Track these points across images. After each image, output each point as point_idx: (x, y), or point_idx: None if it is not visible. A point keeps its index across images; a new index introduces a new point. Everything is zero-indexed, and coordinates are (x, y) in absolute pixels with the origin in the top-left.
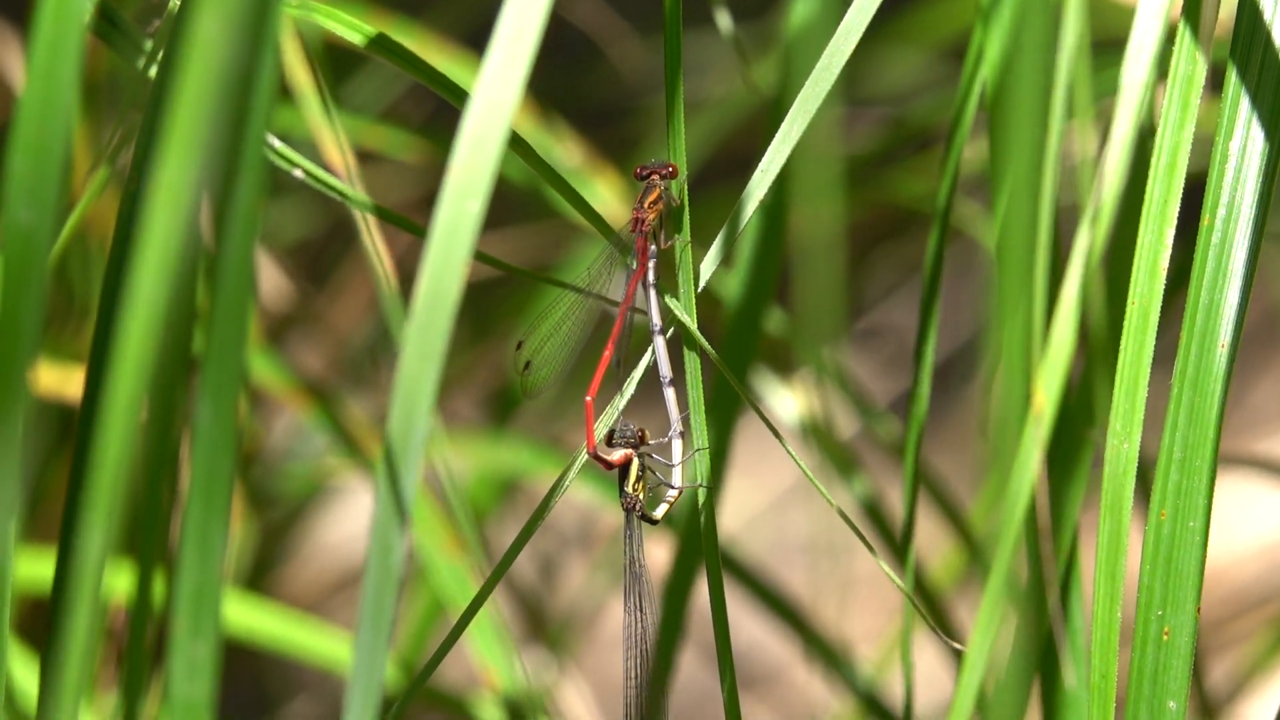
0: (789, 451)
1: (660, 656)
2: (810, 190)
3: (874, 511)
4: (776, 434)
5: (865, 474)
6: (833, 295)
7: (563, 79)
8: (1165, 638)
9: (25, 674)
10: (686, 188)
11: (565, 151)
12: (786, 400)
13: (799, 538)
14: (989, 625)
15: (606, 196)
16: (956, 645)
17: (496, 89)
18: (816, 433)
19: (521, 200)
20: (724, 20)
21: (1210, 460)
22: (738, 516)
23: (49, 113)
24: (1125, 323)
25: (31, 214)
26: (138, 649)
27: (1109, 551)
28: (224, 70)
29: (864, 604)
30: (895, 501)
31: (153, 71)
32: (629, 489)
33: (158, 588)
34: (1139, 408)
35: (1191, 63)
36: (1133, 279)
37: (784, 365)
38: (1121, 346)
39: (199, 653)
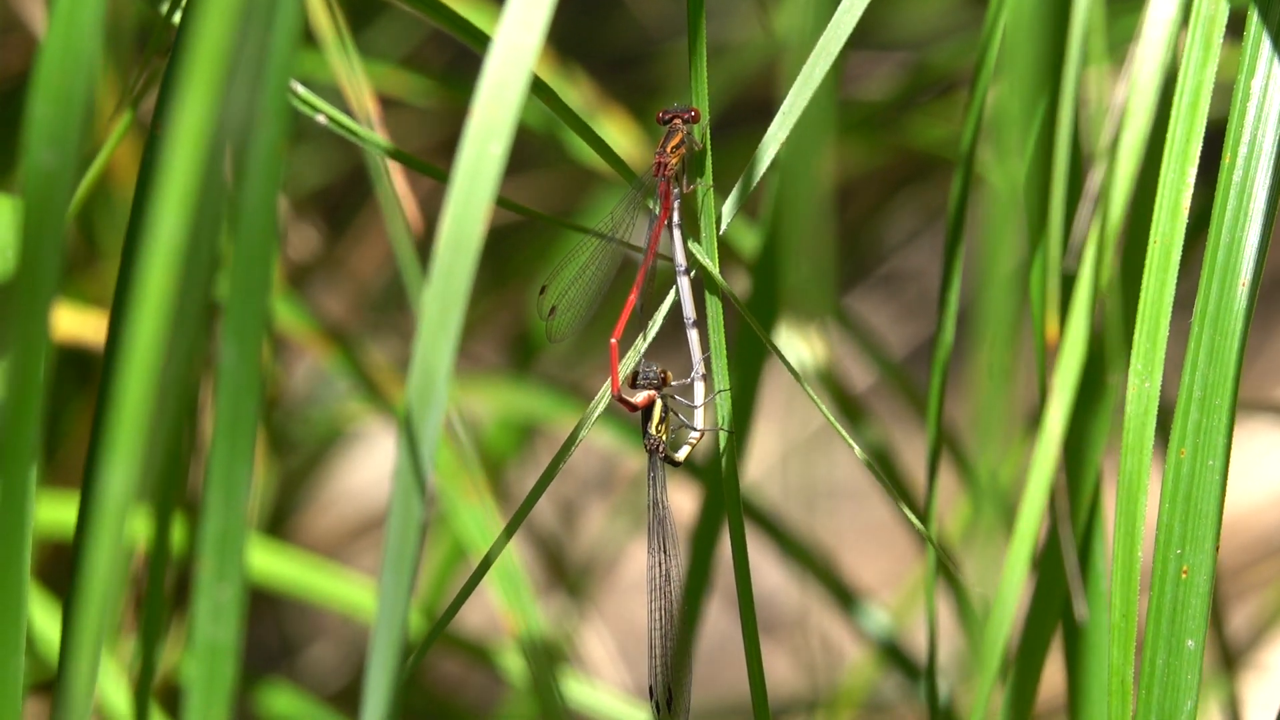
0: (811, 396)
1: (687, 604)
2: (827, 135)
3: (885, 462)
4: (799, 379)
5: (879, 424)
6: (831, 241)
7: (581, 24)
8: (1184, 576)
9: (48, 622)
10: (709, 132)
11: (580, 96)
12: (802, 349)
13: (821, 483)
14: (1017, 566)
15: (620, 141)
16: (978, 589)
17: (518, 31)
18: (829, 382)
19: (540, 146)
20: None
21: (1230, 399)
22: (762, 461)
23: (71, 54)
24: (1147, 262)
25: (54, 156)
26: (157, 593)
27: (1129, 491)
28: (246, 11)
29: (878, 551)
30: (909, 452)
31: (177, 17)
32: (652, 430)
33: (177, 534)
34: (1160, 347)
35: (1214, 3)
36: (1154, 218)
37: (805, 313)
38: (1143, 286)
39: (224, 596)
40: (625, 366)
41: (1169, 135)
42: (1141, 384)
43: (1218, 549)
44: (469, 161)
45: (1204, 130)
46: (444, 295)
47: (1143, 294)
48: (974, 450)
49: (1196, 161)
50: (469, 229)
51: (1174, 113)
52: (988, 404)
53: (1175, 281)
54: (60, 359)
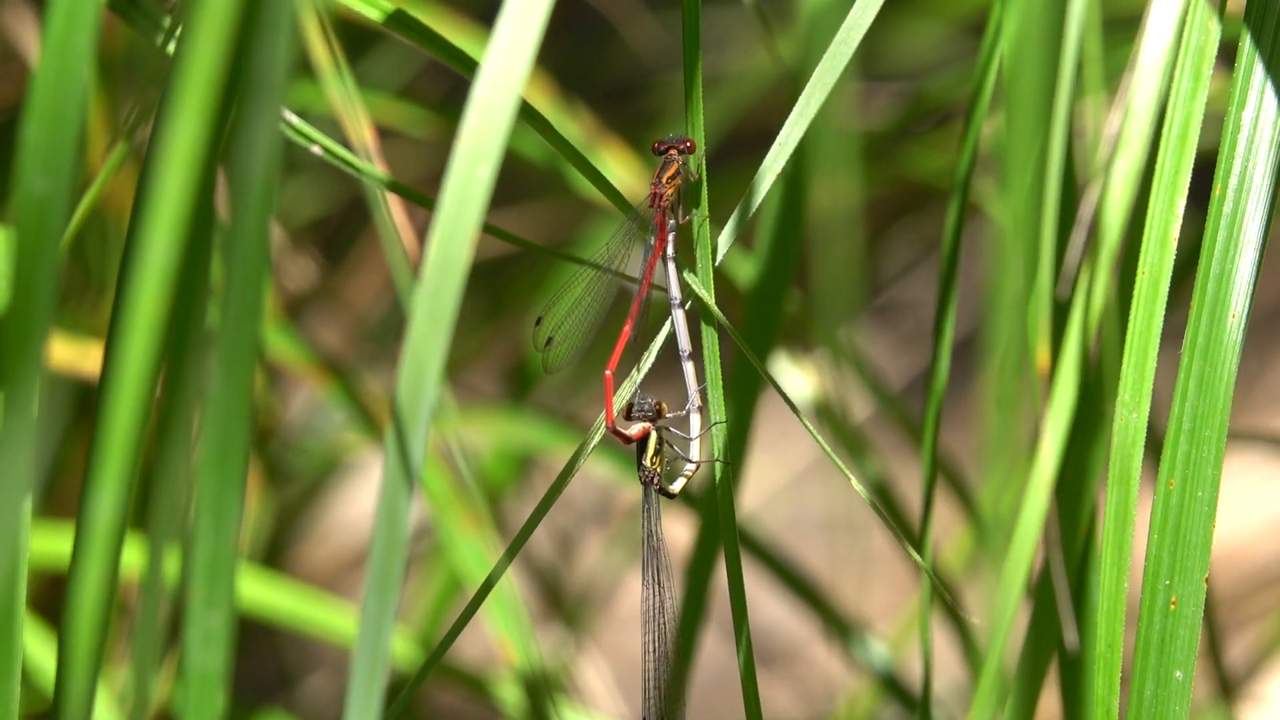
0: (809, 429)
1: (682, 635)
2: (827, 165)
3: (884, 492)
4: (796, 411)
5: (877, 455)
6: (849, 273)
7: (577, 55)
8: (1172, 607)
9: (45, 653)
10: (704, 163)
11: (580, 128)
12: (800, 380)
13: (817, 515)
14: (1009, 597)
15: (617, 172)
16: (975, 619)
17: (507, 54)
18: (828, 414)
19: (537, 178)
20: None
21: (1219, 431)
22: (758, 493)
23: (64, 81)
24: (1135, 292)
25: (46, 183)
26: (150, 621)
27: (1117, 522)
28: (239, 42)
29: (876, 582)
30: (906, 482)
31: (171, 48)
32: (647, 462)
33: (171, 564)
34: (1148, 378)
35: (1204, 34)
36: (1143, 249)
37: (800, 344)
38: (1131, 316)
39: (213, 623)
40: (621, 398)
41: (1158, 166)
42: (1129, 415)
43: (1207, 580)
44: (457, 185)
45: (1193, 161)
46: (432, 312)
47: (1131, 324)
48: (975, 480)
49: (1185, 192)
50: (456, 250)
51: (1163, 144)
52: (994, 433)
53: (1164, 312)
54: (57, 390)
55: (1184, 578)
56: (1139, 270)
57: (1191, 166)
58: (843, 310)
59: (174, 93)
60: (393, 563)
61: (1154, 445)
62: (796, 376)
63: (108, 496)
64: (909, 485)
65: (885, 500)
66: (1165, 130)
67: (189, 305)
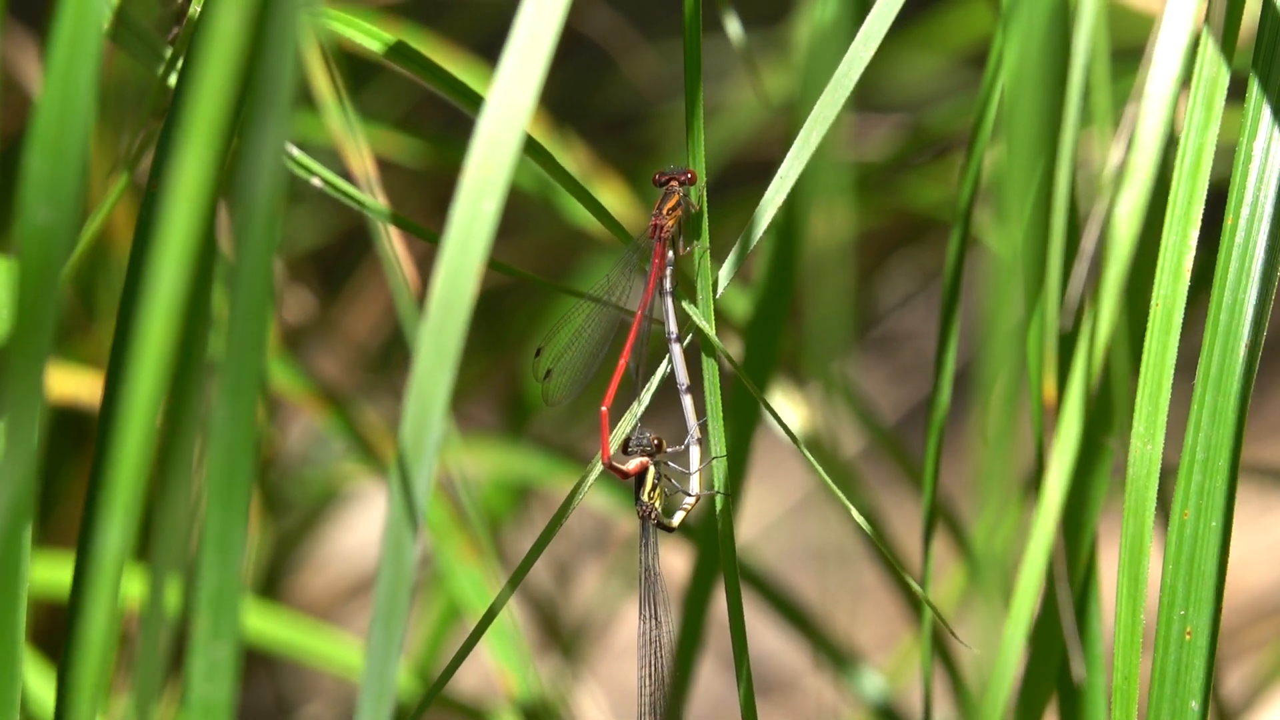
0: (810, 461)
1: (679, 666)
2: (824, 198)
3: (875, 526)
4: (797, 443)
5: (869, 489)
6: (842, 306)
7: (576, 87)
8: (1188, 638)
9: (43, 685)
10: (705, 194)
11: (575, 161)
12: (790, 413)
13: (811, 547)
14: (1016, 629)
15: (612, 205)
16: (973, 648)
17: (513, 88)
18: (818, 449)
19: (535, 210)
20: (734, 29)
21: (1231, 460)
22: (753, 525)
23: (67, 112)
24: (1149, 324)
25: (49, 213)
26: (151, 652)
27: (1132, 553)
28: (243, 75)
29: (867, 614)
30: (898, 516)
31: (173, 79)
32: (645, 497)
33: (171, 594)
34: (1162, 409)
35: (1216, 65)
36: (1156, 280)
37: (792, 377)
38: (1145, 348)
39: (219, 654)
40: (620, 432)
41: (1171, 197)
42: (1144, 446)
43: (1220, 610)
44: (463, 218)
45: (1206, 192)
46: (437, 347)
47: (1145, 356)
48: (968, 513)
49: (1199, 224)
50: (462, 284)
51: (1176, 174)
52: (988, 466)
53: (1177, 343)
54: (56, 420)
55: (1199, 608)
56: (1152, 301)
57: (1204, 198)
58: (836, 343)
59: (179, 124)
60: (398, 599)
61: (1162, 476)
62: (787, 410)
63: (113, 528)
64: (899, 519)
65: (877, 534)
66: (1178, 161)
67: (193, 336)
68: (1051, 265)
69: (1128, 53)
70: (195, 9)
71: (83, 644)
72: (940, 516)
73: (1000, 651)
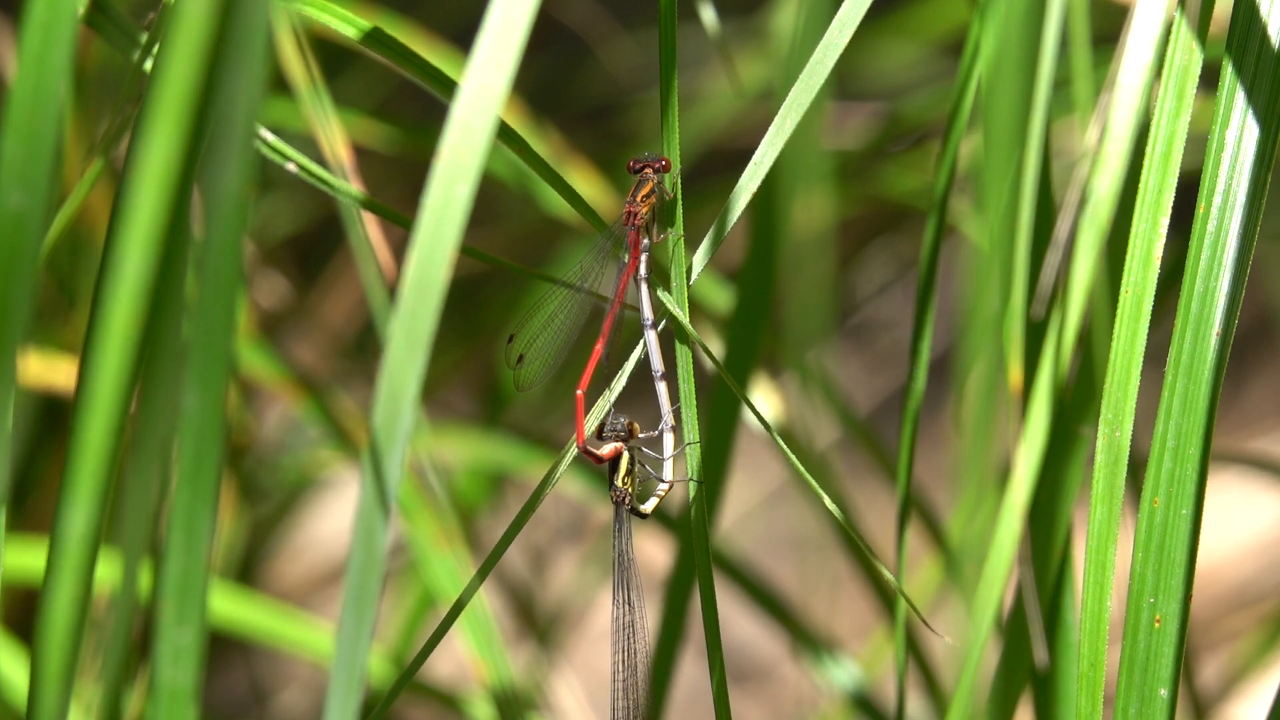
0: (786, 452)
1: (660, 655)
2: (801, 185)
3: (848, 514)
4: (772, 433)
5: (843, 479)
6: (819, 296)
7: (552, 76)
8: (1157, 625)
9: (17, 670)
10: (680, 182)
11: (547, 147)
12: (764, 404)
13: (788, 535)
14: (984, 616)
15: (585, 192)
16: (947, 638)
17: (486, 73)
18: (791, 438)
19: (511, 200)
20: (710, 18)
21: (1202, 448)
22: (730, 513)
23: (41, 96)
24: (1118, 311)
25: (22, 198)
26: (121, 637)
27: (1100, 541)
28: (213, 57)
29: (842, 603)
30: (872, 507)
31: (148, 65)
32: (618, 482)
33: (144, 580)
34: (1130, 397)
35: (1188, 54)
36: (1126, 267)
37: (767, 367)
38: (1114, 335)
39: (184, 638)
40: (593, 418)
41: (1141, 185)
42: (1112, 433)
43: (1190, 598)
44: (436, 203)
45: (1177, 180)
46: (409, 336)
47: (1114, 343)
48: (944, 502)
49: (1169, 211)
50: (435, 268)
51: (1147, 162)
52: (965, 456)
53: (1147, 331)
54: (34, 407)
55: (1168, 595)
56: (1122, 289)
57: (1174, 186)
58: (812, 334)
59: (150, 109)
60: (369, 585)
61: (1133, 464)
62: (761, 400)
63: (82, 512)
64: (872, 509)
65: (849, 524)
66: (1149, 149)
67: (164, 321)
68: (1019, 252)
69: (1103, 40)
70: None
71: (54, 630)
72: (915, 506)
73: (969, 639)
